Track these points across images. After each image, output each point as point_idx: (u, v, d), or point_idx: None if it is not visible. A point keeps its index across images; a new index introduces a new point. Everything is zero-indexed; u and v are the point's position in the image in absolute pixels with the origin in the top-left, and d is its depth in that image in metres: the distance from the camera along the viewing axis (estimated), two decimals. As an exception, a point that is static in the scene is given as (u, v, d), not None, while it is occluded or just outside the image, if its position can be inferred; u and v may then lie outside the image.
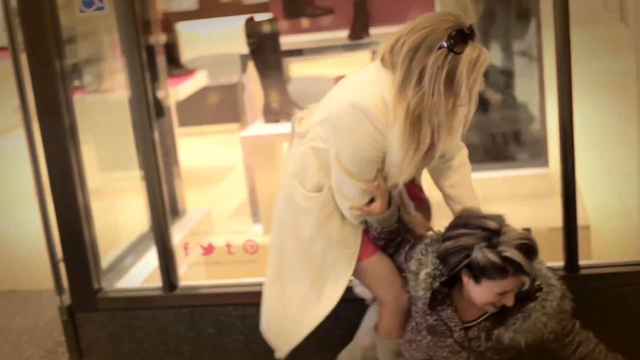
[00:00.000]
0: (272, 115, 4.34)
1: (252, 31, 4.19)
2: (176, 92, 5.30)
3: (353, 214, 2.89)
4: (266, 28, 4.22)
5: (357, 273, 3.03)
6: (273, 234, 3.15)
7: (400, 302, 3.00)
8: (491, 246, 2.62)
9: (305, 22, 4.44)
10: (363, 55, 6.15)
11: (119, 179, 4.53)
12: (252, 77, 4.53)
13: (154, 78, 4.34)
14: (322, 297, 3.06)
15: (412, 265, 2.83)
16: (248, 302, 3.70)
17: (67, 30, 3.70)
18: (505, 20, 4.54)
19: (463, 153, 3.03)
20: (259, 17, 4.30)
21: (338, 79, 4.39)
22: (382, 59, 2.74)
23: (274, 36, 4.21)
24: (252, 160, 4.42)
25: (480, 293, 2.69)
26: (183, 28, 6.04)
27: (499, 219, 2.70)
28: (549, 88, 4.42)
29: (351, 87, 2.81)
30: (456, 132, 2.88)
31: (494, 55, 4.59)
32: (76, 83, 4.08)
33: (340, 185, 2.84)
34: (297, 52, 4.56)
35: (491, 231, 2.65)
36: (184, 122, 5.79)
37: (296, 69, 6.36)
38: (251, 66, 4.39)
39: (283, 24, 4.43)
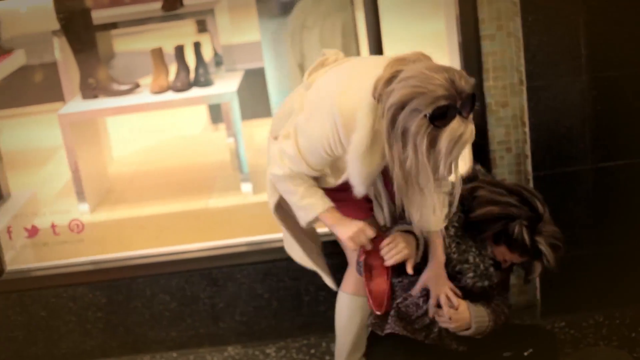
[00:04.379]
0: (89, 91, 4.28)
1: (62, 6, 4.11)
2: (-10, 74, 5.10)
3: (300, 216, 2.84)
4: (76, 2, 4.14)
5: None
6: None
7: None
8: (531, 229, 2.78)
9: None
10: (187, 27, 6.10)
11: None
12: (68, 54, 4.43)
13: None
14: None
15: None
16: (78, 282, 3.69)
17: None
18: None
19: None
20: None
21: (155, 51, 4.38)
22: (375, 88, 2.53)
23: (84, 11, 4.14)
24: (73, 138, 4.34)
25: (491, 249, 2.89)
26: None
27: (542, 200, 2.86)
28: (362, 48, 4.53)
29: (343, 84, 2.65)
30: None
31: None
32: None
33: (287, 154, 2.74)
34: (112, 26, 4.49)
35: (537, 214, 2.81)
36: (3, 105, 5.60)
37: (121, 44, 6.24)
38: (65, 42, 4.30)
39: (95, -2, 4.36)
